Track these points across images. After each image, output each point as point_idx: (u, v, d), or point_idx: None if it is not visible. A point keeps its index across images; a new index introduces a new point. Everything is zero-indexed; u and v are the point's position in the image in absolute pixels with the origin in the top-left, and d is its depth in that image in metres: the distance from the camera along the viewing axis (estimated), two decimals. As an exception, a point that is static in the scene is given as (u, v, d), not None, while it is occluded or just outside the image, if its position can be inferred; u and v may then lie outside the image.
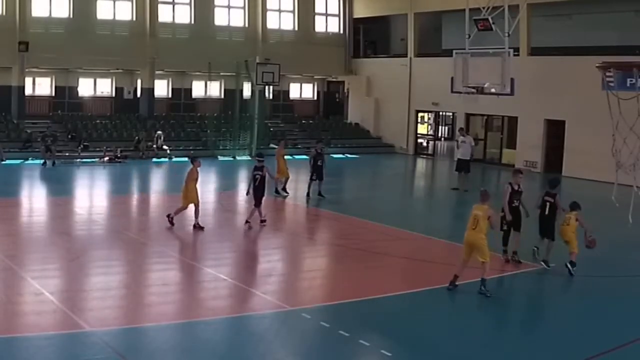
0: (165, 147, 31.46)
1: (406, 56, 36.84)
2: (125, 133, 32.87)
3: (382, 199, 22.91)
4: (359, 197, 21.61)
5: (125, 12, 33.84)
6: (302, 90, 41.27)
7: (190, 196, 17.14)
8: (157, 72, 34.72)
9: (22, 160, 28.71)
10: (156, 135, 31.69)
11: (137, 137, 31.60)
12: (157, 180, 27.87)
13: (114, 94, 35.51)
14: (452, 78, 24.25)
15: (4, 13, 31.16)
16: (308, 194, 21.87)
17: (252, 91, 34.80)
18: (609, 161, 16.83)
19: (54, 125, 32.20)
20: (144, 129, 32.83)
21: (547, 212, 14.57)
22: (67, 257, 14.09)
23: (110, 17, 33.49)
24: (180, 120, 35.62)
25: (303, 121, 39.36)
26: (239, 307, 11.77)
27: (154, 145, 31.30)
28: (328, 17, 39.83)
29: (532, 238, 14.78)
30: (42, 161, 27.95)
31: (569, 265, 13.98)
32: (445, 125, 41.28)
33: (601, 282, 13.95)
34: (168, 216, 17.17)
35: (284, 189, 22.09)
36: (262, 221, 17.58)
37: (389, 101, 37.86)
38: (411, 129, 37.51)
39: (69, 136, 31.38)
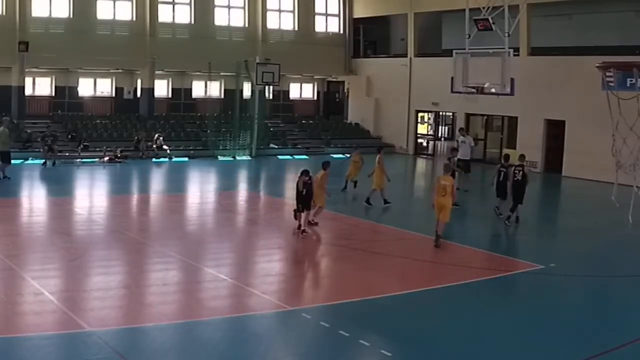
0: (165, 147, 31.47)
1: (406, 56, 36.85)
2: (125, 133, 32.87)
3: (382, 199, 22.84)
4: (359, 197, 21.59)
5: (125, 12, 33.84)
6: (302, 90, 41.28)
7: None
8: (157, 72, 34.71)
9: (22, 160, 28.69)
10: (156, 137, 31.72)
11: (136, 137, 31.60)
12: (157, 180, 27.86)
13: (114, 94, 35.52)
14: (452, 78, 24.26)
15: (4, 13, 31.17)
16: (515, 218, 19.12)
17: (252, 91, 34.79)
18: (609, 161, 16.87)
19: (54, 125, 32.21)
20: (143, 128, 32.82)
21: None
22: (67, 257, 14.09)
23: (110, 17, 33.49)
24: (180, 120, 35.63)
25: (303, 121, 39.37)
26: (239, 307, 11.77)
27: (154, 145, 31.31)
28: (328, 17, 39.83)
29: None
30: (42, 161, 27.95)
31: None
32: (445, 125, 41.27)
33: (601, 282, 13.96)
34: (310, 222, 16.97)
35: (386, 201, 20.96)
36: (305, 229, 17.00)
37: (389, 101, 37.87)
38: (411, 129, 37.53)
39: (69, 136, 31.38)
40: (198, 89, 37.42)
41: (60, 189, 23.32)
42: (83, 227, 17.70)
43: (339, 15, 40.04)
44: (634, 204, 16.76)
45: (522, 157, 19.42)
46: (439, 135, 40.54)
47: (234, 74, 35.01)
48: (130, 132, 32.84)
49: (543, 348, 10.01)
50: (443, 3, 32.50)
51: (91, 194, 24.14)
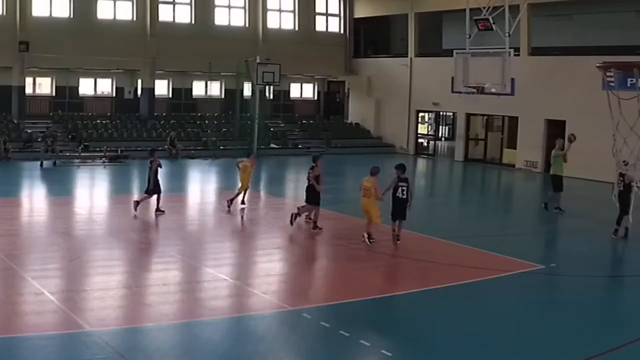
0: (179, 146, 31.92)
1: (406, 56, 36.86)
2: (126, 133, 32.89)
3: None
4: (358, 197, 21.53)
5: (125, 12, 33.88)
6: (302, 90, 41.30)
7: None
8: (157, 72, 34.75)
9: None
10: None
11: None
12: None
13: (114, 94, 35.57)
14: (452, 78, 24.25)
15: (4, 13, 31.20)
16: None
17: (253, 91, 34.82)
18: (610, 161, 16.86)
19: (54, 125, 32.24)
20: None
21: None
22: (68, 257, 14.09)
23: (110, 17, 33.53)
24: (181, 120, 35.65)
25: (303, 121, 39.39)
26: (239, 307, 11.77)
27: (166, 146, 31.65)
28: (328, 17, 39.86)
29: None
30: (45, 161, 27.91)
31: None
32: (445, 125, 41.33)
33: (601, 282, 13.95)
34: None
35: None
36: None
37: (390, 101, 37.89)
38: (412, 129, 37.54)
39: (69, 136, 31.41)
40: (198, 89, 37.45)
41: (60, 188, 23.31)
42: (83, 227, 17.70)
43: (339, 15, 40.06)
44: (634, 203, 16.73)
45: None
46: (440, 135, 40.61)
47: (234, 73, 35.04)
48: (131, 132, 32.89)
49: (543, 348, 10.00)
50: (443, 3, 32.51)
51: (91, 193, 24.13)
